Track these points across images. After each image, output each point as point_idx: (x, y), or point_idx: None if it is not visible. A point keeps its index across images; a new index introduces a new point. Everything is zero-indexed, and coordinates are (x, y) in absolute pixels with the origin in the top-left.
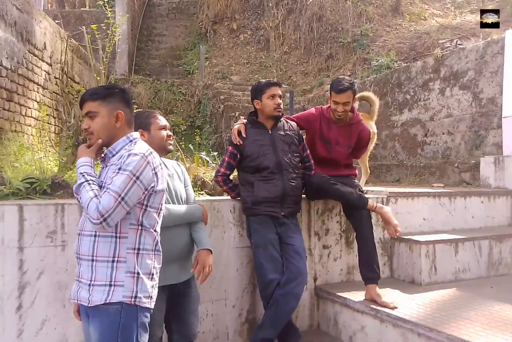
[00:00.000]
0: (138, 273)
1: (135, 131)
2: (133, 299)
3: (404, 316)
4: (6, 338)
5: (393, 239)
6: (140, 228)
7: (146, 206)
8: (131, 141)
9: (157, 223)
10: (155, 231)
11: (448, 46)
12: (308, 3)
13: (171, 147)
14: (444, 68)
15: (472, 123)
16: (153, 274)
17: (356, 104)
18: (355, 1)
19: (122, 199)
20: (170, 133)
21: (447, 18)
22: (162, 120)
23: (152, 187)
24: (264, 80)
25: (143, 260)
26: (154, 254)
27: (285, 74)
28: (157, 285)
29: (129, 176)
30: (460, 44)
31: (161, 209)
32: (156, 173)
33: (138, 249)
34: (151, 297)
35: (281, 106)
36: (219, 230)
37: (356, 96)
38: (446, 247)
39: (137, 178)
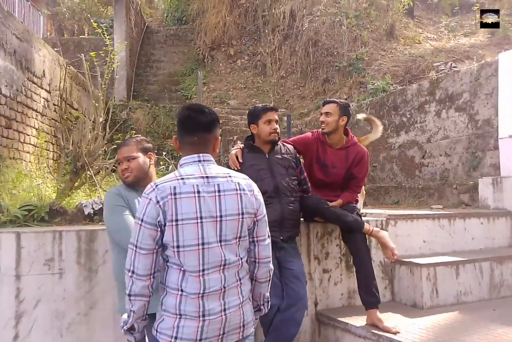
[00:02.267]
0: (163, 309)
1: None
2: (155, 331)
3: (406, 341)
4: None
5: (393, 262)
6: (167, 263)
7: (164, 243)
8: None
9: (180, 262)
10: (182, 269)
11: (443, 69)
12: (303, 28)
13: (127, 179)
14: (440, 90)
15: (469, 144)
16: (180, 315)
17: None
18: (350, 26)
19: (136, 246)
20: (126, 166)
21: (441, 41)
22: (120, 153)
23: (159, 221)
24: (260, 105)
25: (167, 297)
26: (180, 294)
27: (282, 98)
28: (196, 329)
29: (136, 222)
30: (454, 67)
31: (178, 246)
32: (161, 206)
33: (165, 285)
34: (176, 337)
35: (278, 130)
36: None
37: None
38: (447, 270)
39: (142, 220)
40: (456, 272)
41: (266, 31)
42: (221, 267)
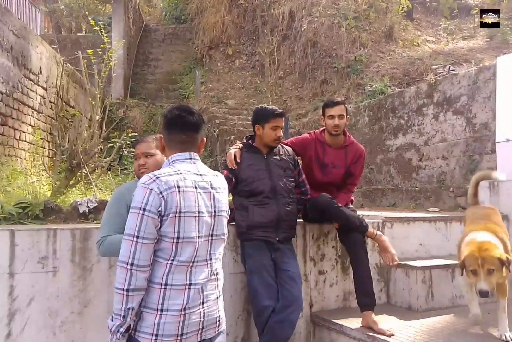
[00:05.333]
0: (142, 306)
1: None
2: (133, 331)
3: None
4: None
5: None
6: (153, 258)
7: (159, 234)
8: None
9: (174, 253)
10: (170, 262)
11: (441, 72)
12: (302, 29)
13: (143, 175)
14: (438, 93)
15: (466, 148)
16: (162, 310)
17: None
18: (348, 28)
19: (137, 237)
20: (143, 162)
21: (440, 44)
22: (138, 148)
23: (160, 211)
24: (270, 107)
25: (148, 293)
26: (164, 288)
27: (280, 99)
28: (177, 324)
29: (135, 212)
30: (452, 70)
31: (178, 238)
32: (163, 197)
33: (148, 281)
34: (156, 334)
35: (282, 138)
36: None
37: None
38: (442, 273)
39: (144, 209)
40: (452, 275)
41: (265, 31)
42: (207, 261)
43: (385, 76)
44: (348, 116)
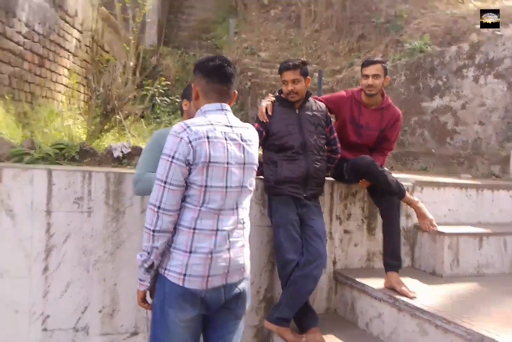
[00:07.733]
0: (169, 246)
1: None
2: (163, 270)
3: (423, 306)
4: (33, 298)
5: (416, 228)
6: (183, 203)
7: (188, 181)
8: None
9: (203, 200)
10: (199, 208)
11: (485, 32)
12: None
13: None
14: (480, 55)
15: (505, 114)
16: (191, 252)
17: None
18: None
19: (165, 182)
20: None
21: (486, 2)
22: None
23: (188, 160)
24: (286, 61)
25: (178, 235)
26: (193, 232)
27: (315, 53)
28: (204, 266)
29: (165, 159)
30: (498, 31)
31: (206, 186)
32: (192, 146)
33: (177, 224)
34: (184, 274)
35: (296, 90)
36: None
37: None
38: (470, 240)
39: (173, 157)
40: (480, 244)
41: None
42: (234, 210)
43: (425, 34)
44: (387, 76)
